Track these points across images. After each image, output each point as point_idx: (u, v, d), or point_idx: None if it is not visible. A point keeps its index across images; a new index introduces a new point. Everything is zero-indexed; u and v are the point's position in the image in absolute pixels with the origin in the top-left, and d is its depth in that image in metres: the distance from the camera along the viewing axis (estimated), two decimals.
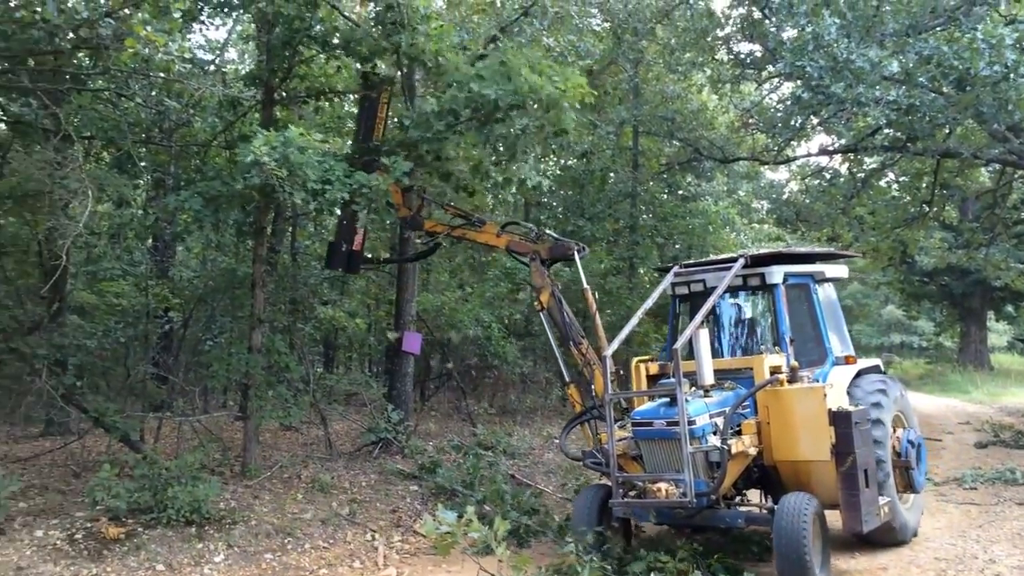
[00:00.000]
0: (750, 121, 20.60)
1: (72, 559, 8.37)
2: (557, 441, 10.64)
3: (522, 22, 13.74)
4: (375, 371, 21.33)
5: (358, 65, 11.08)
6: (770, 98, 20.73)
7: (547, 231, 10.79)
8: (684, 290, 9.68)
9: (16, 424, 14.65)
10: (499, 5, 14.45)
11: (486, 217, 11.23)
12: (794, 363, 8.44)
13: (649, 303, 9.02)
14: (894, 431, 9.00)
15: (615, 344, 8.66)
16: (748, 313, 9.73)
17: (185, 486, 9.42)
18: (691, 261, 10.03)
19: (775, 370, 8.44)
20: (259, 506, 10.34)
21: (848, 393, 8.71)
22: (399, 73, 11.35)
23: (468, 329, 16.77)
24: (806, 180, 24.30)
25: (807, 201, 22.80)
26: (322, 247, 18.56)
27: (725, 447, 7.70)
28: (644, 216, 21.80)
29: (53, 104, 9.65)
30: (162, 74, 9.59)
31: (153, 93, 11.53)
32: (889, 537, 8.64)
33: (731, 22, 18.15)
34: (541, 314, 10.24)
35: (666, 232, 21.80)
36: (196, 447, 11.65)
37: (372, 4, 10.91)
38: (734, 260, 9.03)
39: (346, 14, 11.24)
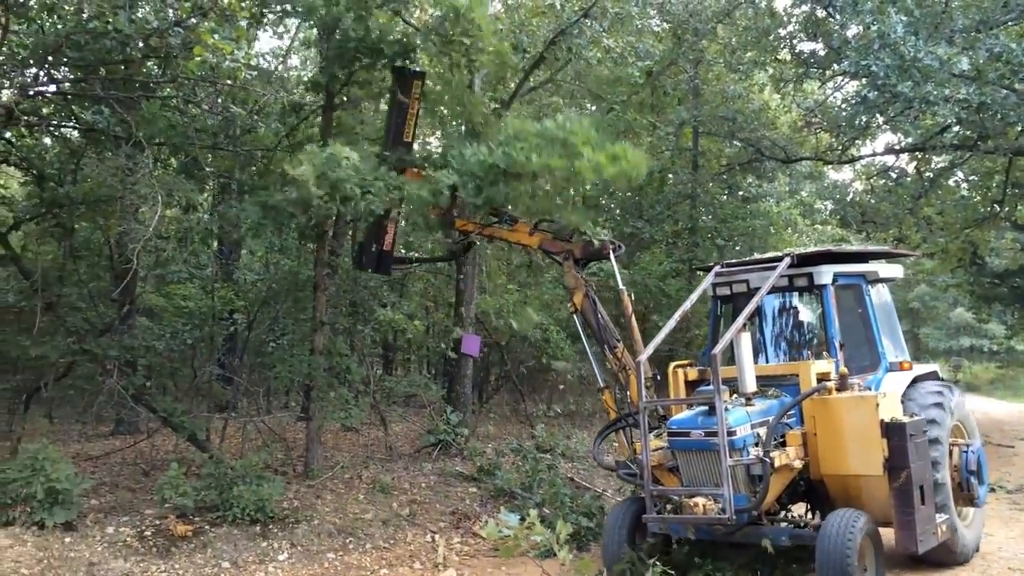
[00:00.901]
0: (813, 120, 20.17)
1: (142, 556, 8.59)
2: (609, 448, 10.34)
3: (581, 24, 13.67)
4: (434, 373, 21.45)
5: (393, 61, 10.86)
6: (834, 97, 20.27)
7: (580, 228, 10.28)
8: (726, 291, 9.15)
9: (88, 423, 15.10)
10: (558, 8, 14.40)
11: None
12: (844, 369, 7.96)
13: (687, 305, 8.54)
14: (953, 442, 8.45)
15: (649, 349, 8.28)
16: (795, 316, 9.16)
17: (250, 485, 9.59)
18: (734, 260, 9.51)
19: (823, 377, 7.91)
20: (321, 506, 10.49)
21: (902, 402, 8.24)
22: (469, 77, 11.35)
23: (527, 331, 16.74)
24: (871, 180, 23.72)
25: (872, 201, 22.23)
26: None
27: (767, 460, 7.22)
28: (704, 218, 21.55)
29: (124, 112, 9.93)
30: (228, 81, 9.80)
31: (219, 100, 11.79)
32: (947, 557, 8.14)
33: (794, 20, 17.80)
34: (575, 316, 9.84)
35: (726, 234, 21.50)
36: (260, 447, 11.87)
37: (432, 11, 10.99)
38: (780, 259, 8.52)
39: (408, 20, 11.32)
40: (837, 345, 8.31)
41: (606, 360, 9.65)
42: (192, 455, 11.47)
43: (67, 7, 9.77)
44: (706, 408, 7.58)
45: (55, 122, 11.92)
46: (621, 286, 9.54)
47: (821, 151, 21.50)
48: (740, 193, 22.87)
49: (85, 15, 8.81)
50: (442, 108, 12.79)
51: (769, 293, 8.49)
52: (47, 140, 12.82)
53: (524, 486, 11.57)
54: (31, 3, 10.03)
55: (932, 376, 9.07)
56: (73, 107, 11.49)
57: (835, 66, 17.16)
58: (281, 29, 13.08)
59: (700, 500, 7.29)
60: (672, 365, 9.02)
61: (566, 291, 10.07)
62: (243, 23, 9.04)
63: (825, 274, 8.51)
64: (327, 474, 11.61)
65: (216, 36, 8.28)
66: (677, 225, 21.43)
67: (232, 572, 8.65)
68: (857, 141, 19.89)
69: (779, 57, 18.85)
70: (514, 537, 5.79)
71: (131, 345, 11.33)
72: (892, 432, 7.36)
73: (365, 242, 11.18)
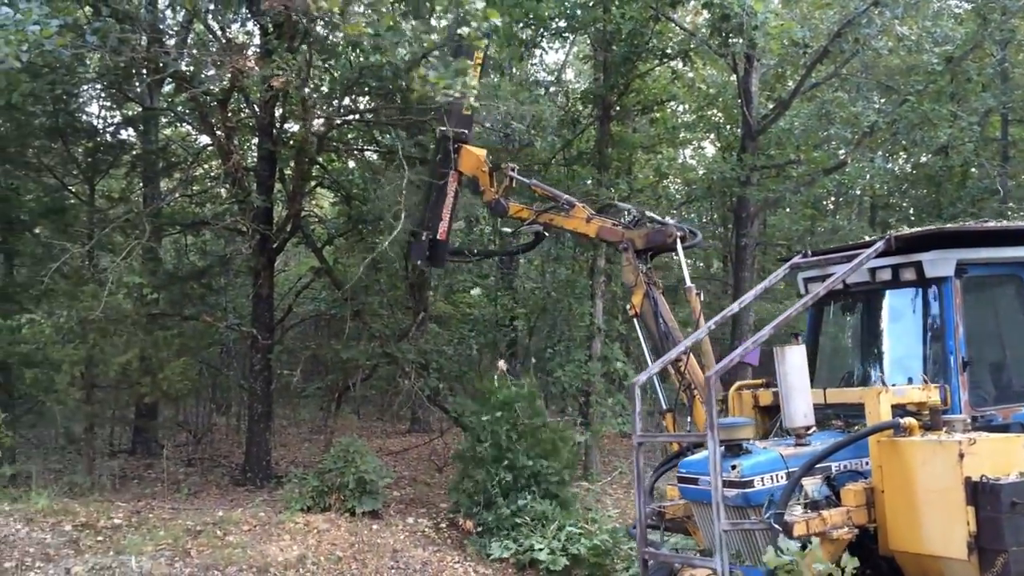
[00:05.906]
0: None
1: (438, 546, 9.20)
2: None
3: (871, 13, 12.76)
4: None
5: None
6: None
7: (648, 213, 8.43)
8: (819, 288, 6.79)
9: (387, 420, 16.45)
10: None
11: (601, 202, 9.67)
12: (935, 400, 5.77)
13: (736, 307, 6.87)
14: None
15: (657, 366, 6.62)
16: (918, 321, 6.56)
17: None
18: (822, 248, 7.60)
19: (917, 408, 5.69)
20: (602, 509, 10.63)
21: None
22: (733, 78, 11.12)
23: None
24: None
25: None
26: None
27: (776, 526, 5.18)
28: (1017, 215, 19.35)
29: (417, 133, 10.71)
30: (508, 99, 10.26)
31: (499, 117, 12.40)
32: None
33: None
34: (635, 321, 8.07)
35: None
36: None
37: (706, 12, 10.82)
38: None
39: (683, 25, 11.25)
40: (955, 364, 6.06)
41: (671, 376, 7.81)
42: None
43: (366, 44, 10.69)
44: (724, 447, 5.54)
45: (358, 146, 13.14)
46: (688, 283, 7.70)
47: None
48: None
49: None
50: None
51: (878, 290, 6.61)
52: (351, 163, 14.15)
53: None
54: (339, 40, 11.15)
55: None
56: (373, 132, 12.59)
57: None
58: (557, 44, 13.52)
59: (700, 572, 5.63)
60: (736, 386, 7.22)
61: (626, 289, 8.42)
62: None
63: (941, 263, 6.17)
64: (606, 479, 11.76)
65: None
66: None
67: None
68: None
69: None
70: (795, 564, 5.27)
71: (425, 349, 12.18)
72: (982, 496, 5.11)
73: (416, 231, 9.83)
